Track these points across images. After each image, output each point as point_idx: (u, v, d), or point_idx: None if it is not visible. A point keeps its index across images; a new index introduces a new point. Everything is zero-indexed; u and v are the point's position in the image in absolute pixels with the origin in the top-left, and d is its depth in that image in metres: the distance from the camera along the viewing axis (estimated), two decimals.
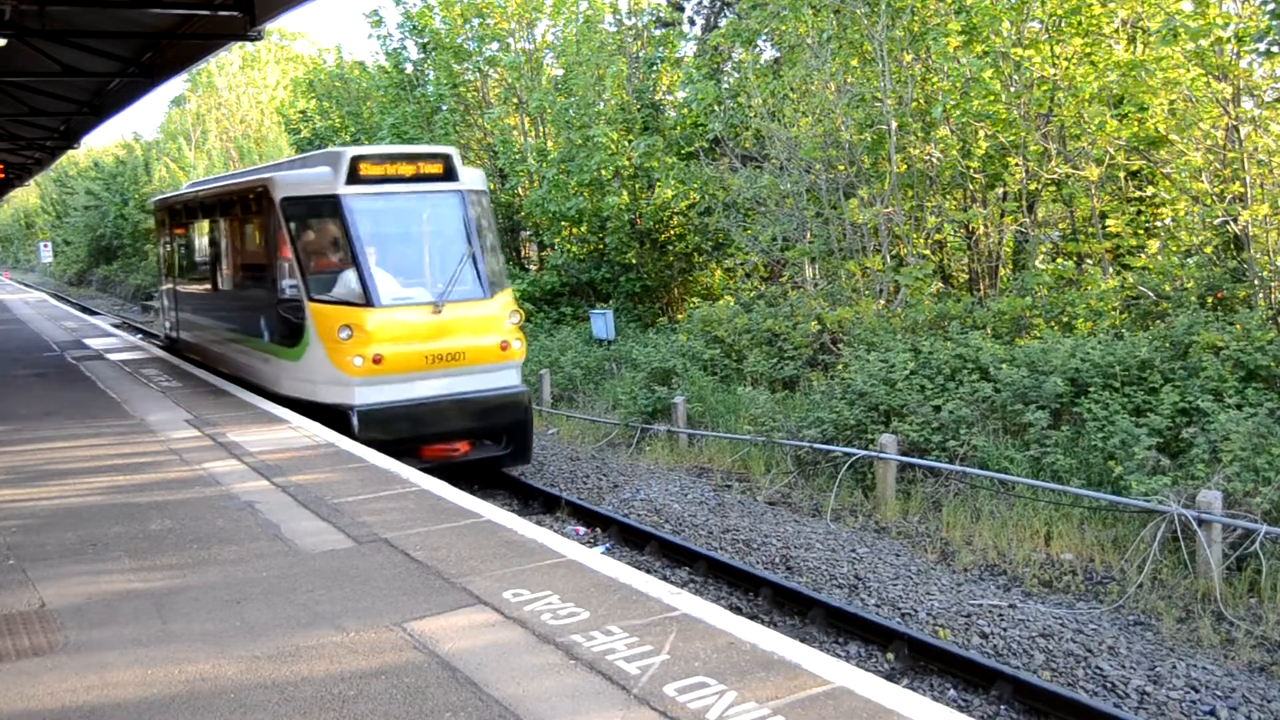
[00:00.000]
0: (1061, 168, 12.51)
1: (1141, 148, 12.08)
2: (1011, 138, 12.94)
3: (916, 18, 13.92)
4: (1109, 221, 12.52)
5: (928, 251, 14.00)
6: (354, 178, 10.44)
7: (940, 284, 14.01)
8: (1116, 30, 12.88)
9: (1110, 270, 12.40)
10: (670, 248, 19.93)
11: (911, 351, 11.44)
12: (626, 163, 19.21)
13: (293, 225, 10.68)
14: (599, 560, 5.56)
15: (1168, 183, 12.20)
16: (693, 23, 23.24)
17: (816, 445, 10.99)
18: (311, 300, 10.43)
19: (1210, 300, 10.80)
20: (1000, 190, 13.95)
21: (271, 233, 10.99)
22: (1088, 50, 12.60)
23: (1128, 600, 7.60)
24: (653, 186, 19.43)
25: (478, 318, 10.62)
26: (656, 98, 20.26)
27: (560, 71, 22.26)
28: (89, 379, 13.34)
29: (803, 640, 6.10)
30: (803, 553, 8.89)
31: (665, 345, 15.49)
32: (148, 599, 5.16)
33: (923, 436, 10.21)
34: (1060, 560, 8.41)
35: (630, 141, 19.33)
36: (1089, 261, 13.00)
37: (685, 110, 19.26)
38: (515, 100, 22.53)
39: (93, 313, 33.05)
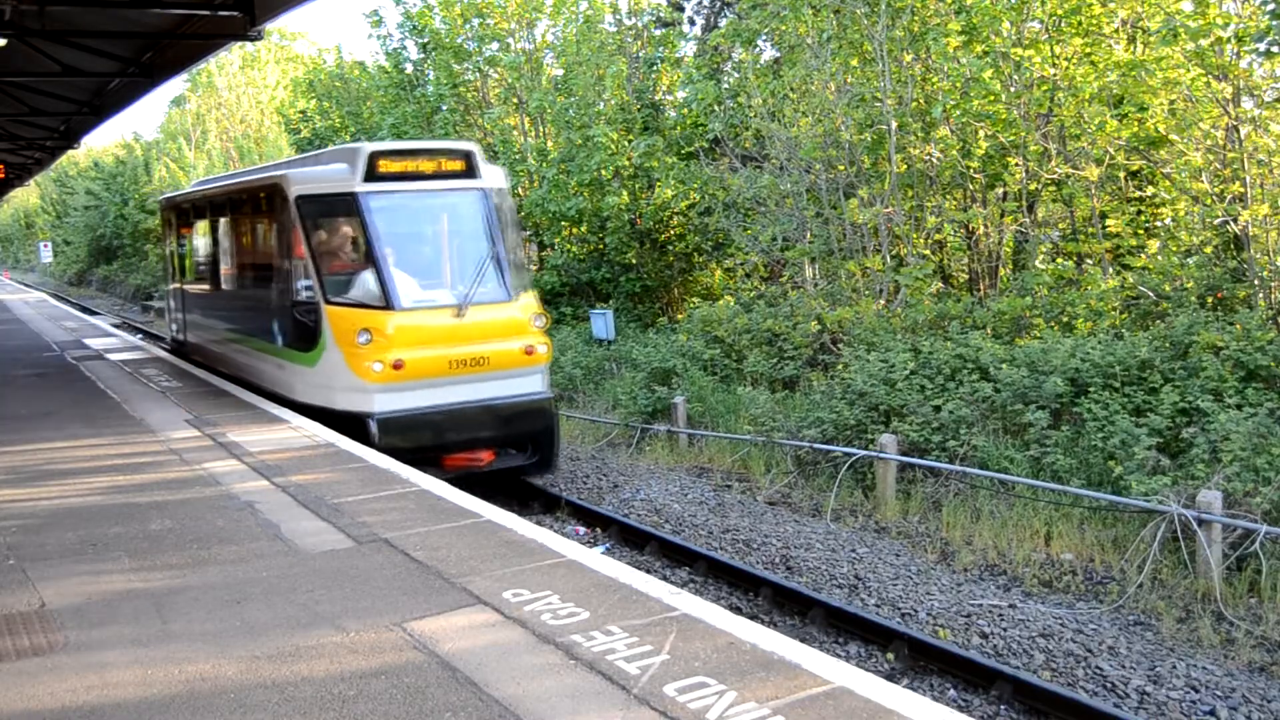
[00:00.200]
0: (1061, 168, 12.51)
1: (1141, 148, 12.08)
2: (1011, 138, 12.94)
3: (916, 18, 13.92)
4: (1109, 221, 12.52)
5: (928, 251, 14.00)
6: (372, 175, 10.09)
7: (940, 284, 14.01)
8: (1116, 30, 12.88)
9: (1110, 270, 12.40)
10: (670, 248, 19.93)
11: (911, 351, 11.44)
12: (626, 163, 19.21)
13: (308, 224, 10.27)
14: (599, 560, 5.56)
15: (1168, 183, 12.20)
16: (693, 23, 23.25)
17: (816, 445, 10.99)
18: (328, 303, 10.04)
19: (1210, 300, 10.80)
20: (1000, 190, 13.95)
21: (285, 232, 10.60)
22: (1088, 50, 12.60)
23: (1128, 600, 7.60)
24: (653, 186, 19.43)
25: (501, 321, 10.22)
26: (656, 98, 20.26)
27: (560, 71, 22.26)
28: (89, 379, 13.33)
29: (803, 640, 6.09)
30: (803, 553, 8.90)
31: (665, 345, 15.50)
32: (148, 599, 5.16)
33: (923, 436, 10.21)
34: (1060, 560, 8.41)
35: (630, 141, 19.33)
36: (1089, 261, 13.00)
37: (685, 110, 19.26)
38: (515, 100, 22.53)
39: (93, 313, 33.06)
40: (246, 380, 12.25)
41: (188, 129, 50.31)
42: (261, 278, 12.03)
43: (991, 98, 13.15)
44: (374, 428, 9.64)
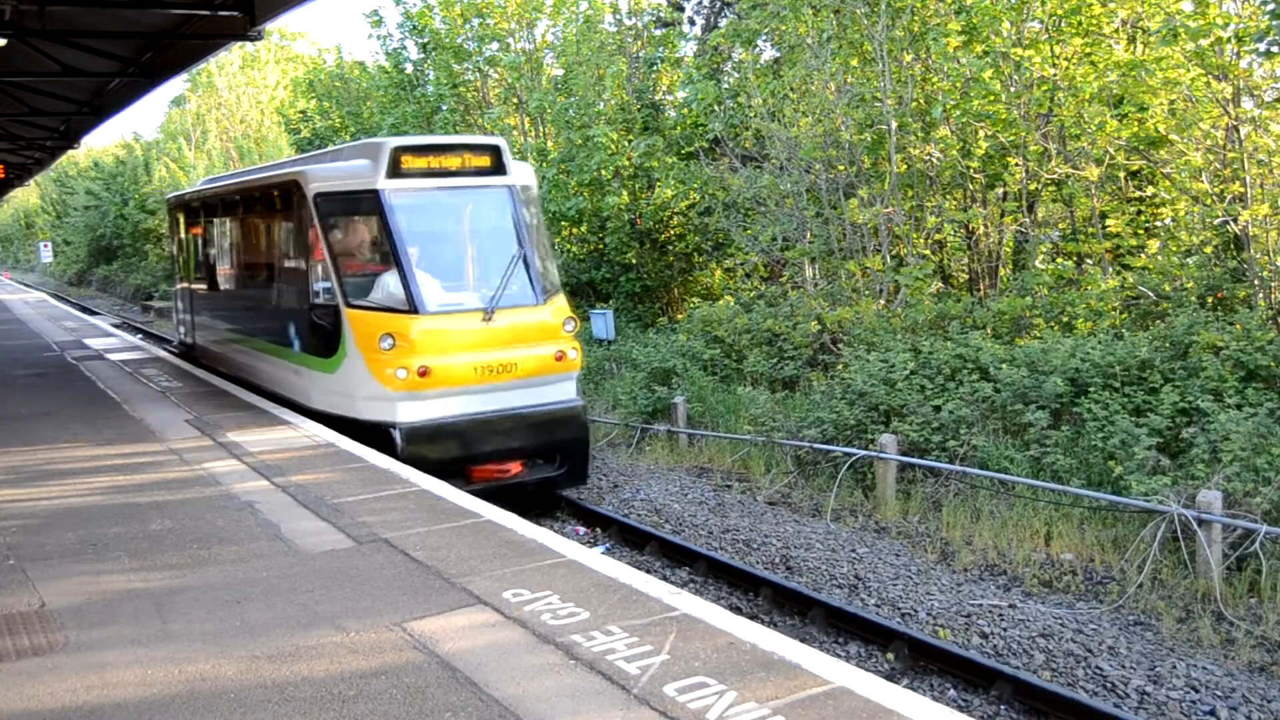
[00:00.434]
0: (1061, 168, 12.51)
1: (1141, 148, 12.08)
2: (1011, 138, 12.94)
3: (916, 18, 13.92)
4: (1109, 221, 12.52)
5: (928, 251, 14.00)
6: (395, 171, 9.58)
7: (940, 284, 14.01)
8: (1116, 30, 12.89)
9: (1110, 270, 12.40)
10: (670, 248, 19.93)
11: (911, 351, 11.44)
12: (626, 163, 19.21)
13: (327, 223, 9.80)
14: (599, 560, 5.56)
15: (1168, 183, 12.21)
16: (693, 23, 23.25)
17: (816, 445, 10.99)
18: (349, 306, 9.54)
19: (1210, 300, 10.80)
20: (1000, 190, 13.96)
21: (303, 231, 10.13)
22: (1088, 50, 12.60)
23: (1128, 600, 7.60)
24: (653, 186, 19.43)
25: (531, 325, 9.72)
26: (656, 98, 20.26)
27: (560, 71, 22.27)
28: (89, 379, 13.34)
29: (803, 640, 6.09)
30: (803, 553, 8.90)
31: (665, 345, 15.50)
32: (148, 599, 5.16)
33: (923, 436, 10.21)
34: (1060, 560, 8.41)
35: (630, 141, 19.33)
36: (1089, 261, 13.00)
37: (685, 110, 19.26)
38: (515, 100, 22.53)
39: (93, 313, 33.05)
40: (260, 386, 11.81)
41: (188, 129, 50.31)
42: (277, 279, 11.58)
43: (991, 98, 13.15)
44: (398, 438, 9.19)
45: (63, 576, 5.56)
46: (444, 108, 23.27)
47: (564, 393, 10.07)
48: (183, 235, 16.24)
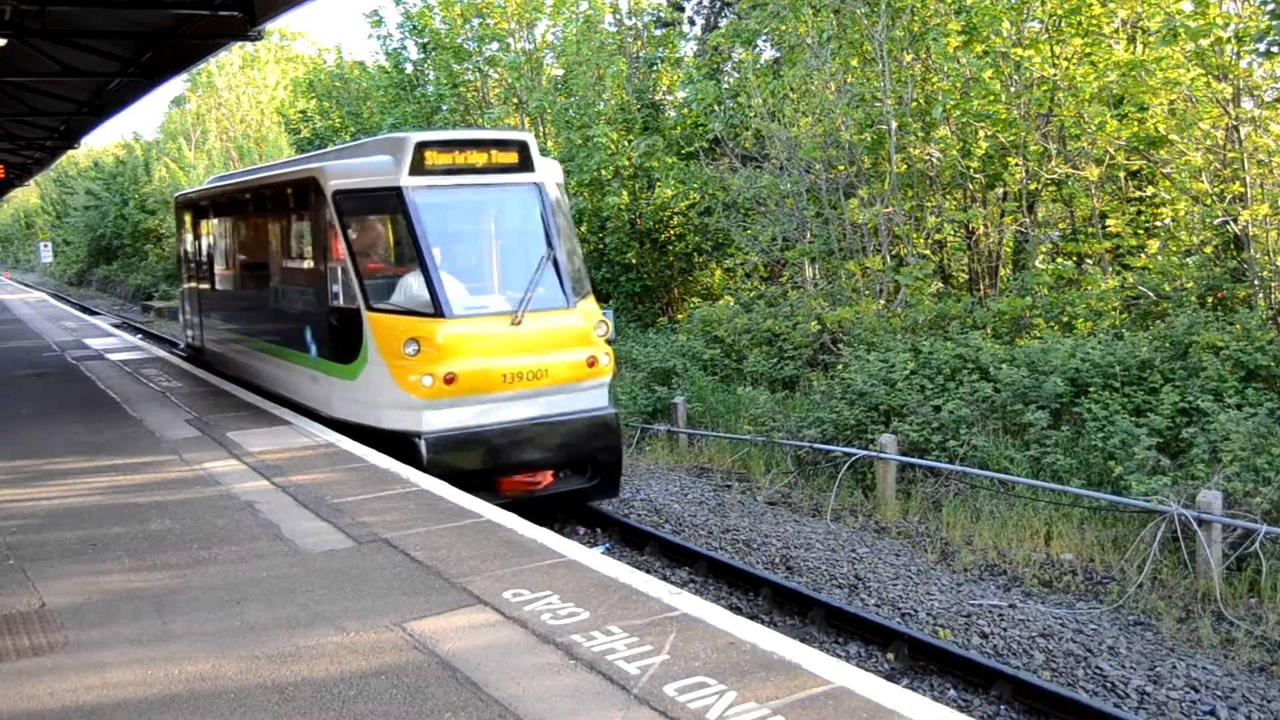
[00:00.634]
0: (1061, 168, 12.51)
1: (1141, 148, 12.09)
2: (1011, 138, 12.94)
3: (916, 18, 13.93)
4: (1109, 221, 12.53)
5: (928, 251, 14.00)
6: (419, 167, 9.09)
7: (940, 284, 14.02)
8: (1116, 30, 12.89)
9: (1110, 270, 12.41)
10: (670, 248, 19.93)
11: (911, 351, 11.44)
12: (626, 163, 19.21)
13: (347, 222, 9.33)
14: (599, 560, 5.56)
15: (1168, 183, 12.21)
16: (693, 23, 23.25)
17: (816, 445, 10.99)
18: (370, 309, 9.06)
19: (1210, 300, 10.81)
20: (1000, 190, 13.96)
21: (321, 231, 9.66)
22: (1088, 50, 12.61)
23: (1128, 600, 7.60)
24: (653, 186, 19.42)
25: (561, 329, 9.24)
26: (656, 98, 20.26)
27: (560, 71, 22.27)
28: (89, 379, 13.34)
29: (803, 640, 6.09)
30: (803, 553, 8.90)
31: (665, 345, 15.50)
32: (148, 599, 5.16)
33: (923, 436, 10.21)
34: (1060, 560, 8.41)
35: (630, 141, 19.34)
36: (1089, 261, 13.01)
37: (685, 110, 19.26)
38: (515, 100, 22.53)
39: (93, 313, 33.05)
40: (275, 393, 11.36)
41: (188, 129, 50.32)
42: (293, 281, 11.11)
43: (991, 98, 13.15)
44: (423, 448, 8.73)
45: (63, 576, 5.56)
46: (444, 108, 23.27)
47: (596, 400, 9.66)
48: (192, 235, 15.75)
